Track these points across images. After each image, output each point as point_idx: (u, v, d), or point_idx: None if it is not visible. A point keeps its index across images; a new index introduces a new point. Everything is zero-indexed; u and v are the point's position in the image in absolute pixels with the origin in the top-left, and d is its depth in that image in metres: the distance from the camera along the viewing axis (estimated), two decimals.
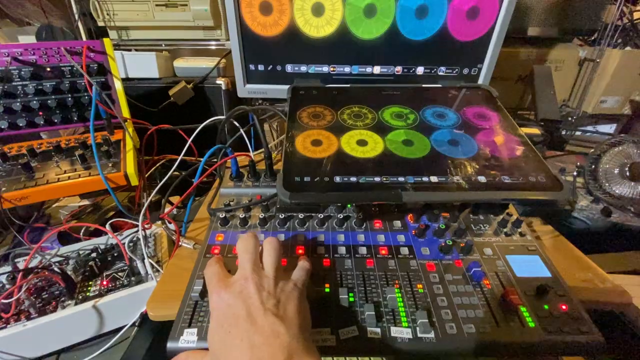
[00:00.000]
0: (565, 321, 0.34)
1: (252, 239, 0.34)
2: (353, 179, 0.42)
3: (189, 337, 0.32)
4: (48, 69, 0.60)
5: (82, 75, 0.59)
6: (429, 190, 0.41)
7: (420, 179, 0.43)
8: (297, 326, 0.28)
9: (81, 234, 0.61)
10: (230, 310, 0.28)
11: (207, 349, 0.29)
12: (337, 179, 0.42)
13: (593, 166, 0.69)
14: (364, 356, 0.41)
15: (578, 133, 1.25)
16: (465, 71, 0.63)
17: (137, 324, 0.47)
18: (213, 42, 0.92)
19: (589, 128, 1.25)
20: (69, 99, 0.61)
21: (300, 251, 0.41)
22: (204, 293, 0.35)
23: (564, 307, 0.35)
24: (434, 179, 0.43)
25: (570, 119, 1.18)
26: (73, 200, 0.79)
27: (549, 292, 0.36)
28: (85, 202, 0.77)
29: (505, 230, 0.45)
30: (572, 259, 0.46)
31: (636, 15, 1.13)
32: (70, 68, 0.61)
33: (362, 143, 0.48)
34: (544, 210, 0.52)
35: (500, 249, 0.42)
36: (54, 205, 0.79)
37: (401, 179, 0.42)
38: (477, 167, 0.45)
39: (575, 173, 0.68)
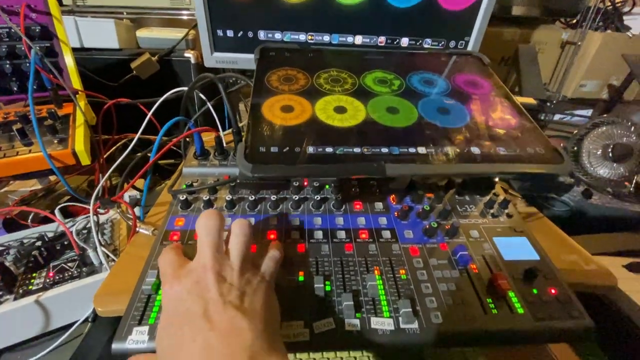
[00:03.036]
0: (555, 306, 0.32)
1: (216, 218, 0.29)
2: (329, 149, 0.37)
3: (138, 337, 0.27)
4: None
5: (20, 38, 0.51)
6: (417, 163, 0.37)
7: (406, 150, 0.38)
8: (262, 321, 0.24)
9: (29, 220, 0.54)
10: (184, 306, 0.24)
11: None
12: (311, 149, 0.37)
13: (575, 147, 0.68)
14: (342, 350, 0.38)
15: (556, 118, 1.26)
16: (452, 44, 0.59)
17: (90, 319, 0.42)
18: (184, 12, 0.83)
19: (566, 112, 1.26)
20: (7, 65, 0.53)
21: (272, 236, 0.37)
22: (158, 286, 0.31)
23: (553, 291, 0.33)
24: (421, 150, 0.38)
25: (549, 103, 1.18)
26: (24, 184, 0.71)
27: (538, 275, 0.34)
28: (37, 185, 0.69)
29: (492, 211, 0.42)
30: (557, 241, 0.45)
31: None
32: (7, 30, 0.53)
33: (340, 110, 0.43)
34: (545, 186, 0.49)
35: (487, 231, 0.39)
36: (2, 190, 0.71)
37: (385, 150, 0.38)
38: (470, 137, 0.41)
39: None
